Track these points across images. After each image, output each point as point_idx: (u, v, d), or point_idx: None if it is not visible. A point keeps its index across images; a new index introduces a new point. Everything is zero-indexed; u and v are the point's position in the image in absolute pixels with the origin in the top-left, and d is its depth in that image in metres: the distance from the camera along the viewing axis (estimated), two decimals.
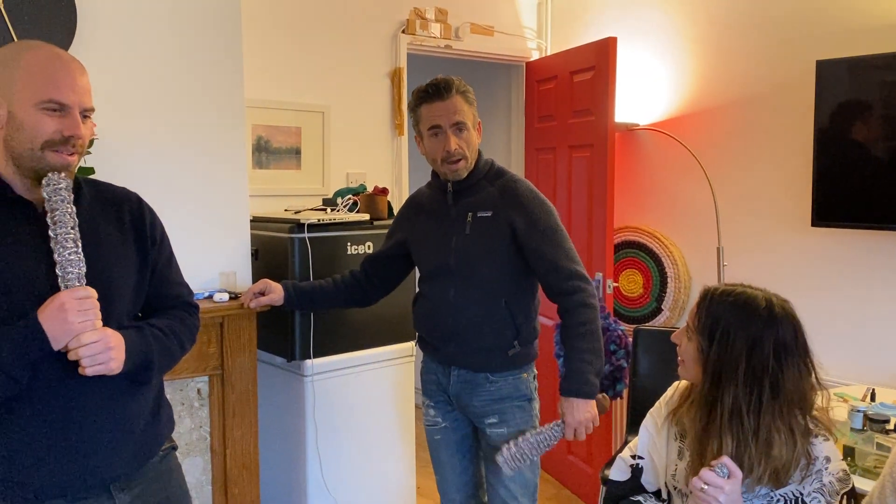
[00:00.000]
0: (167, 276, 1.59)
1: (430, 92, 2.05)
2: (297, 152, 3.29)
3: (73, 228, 1.33)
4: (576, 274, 2.05)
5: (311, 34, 3.26)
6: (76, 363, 1.33)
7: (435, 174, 2.18)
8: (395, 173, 3.56)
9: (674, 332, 1.68)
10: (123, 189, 1.57)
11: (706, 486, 1.41)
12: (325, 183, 3.36)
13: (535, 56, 3.99)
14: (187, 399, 2.34)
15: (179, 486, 1.60)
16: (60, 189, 1.33)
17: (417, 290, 2.27)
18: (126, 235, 1.50)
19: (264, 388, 2.64)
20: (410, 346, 2.88)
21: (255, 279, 2.53)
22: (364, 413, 2.76)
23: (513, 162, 3.99)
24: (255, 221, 2.69)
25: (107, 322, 1.38)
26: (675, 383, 1.76)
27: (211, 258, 2.47)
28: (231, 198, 2.53)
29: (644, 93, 3.58)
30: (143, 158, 2.31)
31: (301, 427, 2.63)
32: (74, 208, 1.35)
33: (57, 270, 1.32)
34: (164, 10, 2.34)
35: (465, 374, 2.13)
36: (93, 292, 1.34)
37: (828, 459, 1.50)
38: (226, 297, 2.38)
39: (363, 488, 2.78)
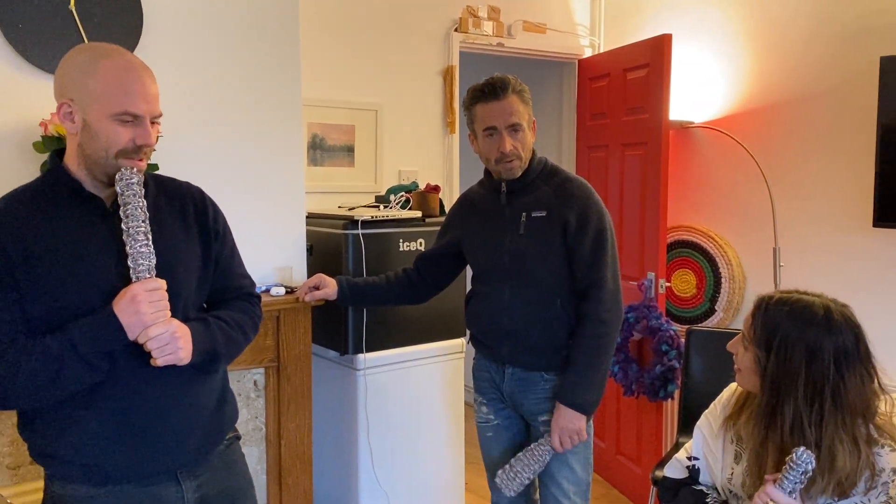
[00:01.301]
0: (230, 269, 1.63)
1: (486, 91, 2.04)
2: (351, 150, 3.33)
3: (143, 222, 1.37)
4: (605, 285, 2.03)
5: (365, 34, 3.30)
6: (147, 354, 1.38)
7: (488, 173, 2.19)
8: (447, 171, 3.58)
9: (728, 334, 1.65)
10: (186, 183, 1.61)
11: (770, 503, 1.38)
12: (377, 180, 3.40)
13: (587, 53, 3.97)
14: (244, 390, 2.40)
15: (243, 474, 1.64)
16: (132, 184, 1.37)
17: (470, 288, 2.28)
18: (190, 229, 1.54)
19: (317, 380, 2.69)
20: (461, 343, 2.90)
21: (309, 274, 2.58)
22: (415, 408, 2.80)
23: (564, 160, 3.98)
24: (310, 218, 2.74)
25: (174, 313, 1.42)
26: (732, 385, 1.74)
27: (268, 253, 2.53)
28: (288, 194, 2.58)
29: (699, 90, 3.53)
30: (205, 156, 2.38)
31: (353, 420, 2.68)
32: (145, 202, 1.39)
33: (129, 263, 1.36)
34: (225, 12, 2.40)
35: (520, 372, 2.13)
36: (163, 283, 1.38)
37: (894, 472, 1.46)
38: (282, 290, 2.43)
39: (413, 482, 2.81)
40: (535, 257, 2.07)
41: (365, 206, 2.92)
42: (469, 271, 2.32)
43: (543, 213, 2.07)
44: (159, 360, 1.37)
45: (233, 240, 1.66)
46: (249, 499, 1.66)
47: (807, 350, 1.45)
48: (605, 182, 3.59)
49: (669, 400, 3.24)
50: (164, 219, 1.50)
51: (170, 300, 1.41)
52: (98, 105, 1.37)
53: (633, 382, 3.25)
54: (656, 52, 3.23)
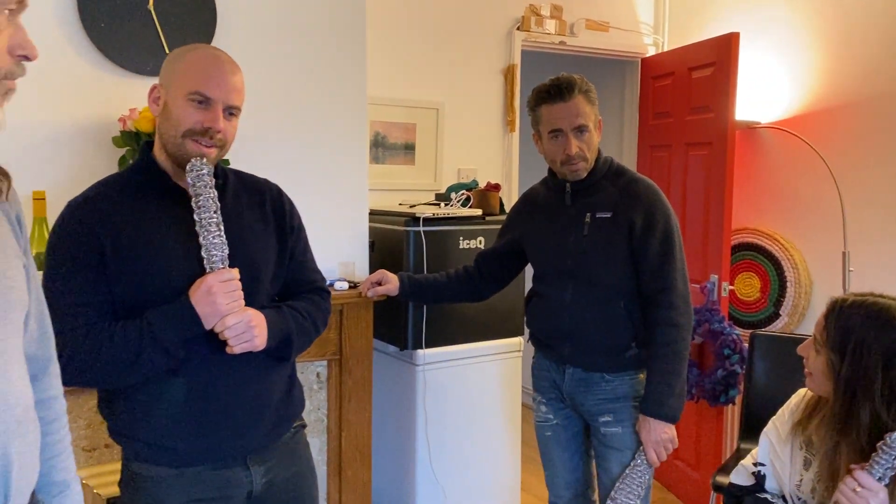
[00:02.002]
0: (304, 263, 1.67)
1: (552, 93, 2.01)
2: (411, 148, 3.36)
3: (215, 213, 1.40)
4: (675, 288, 2.00)
5: (428, 33, 3.33)
6: (222, 342, 1.42)
7: (552, 172, 2.18)
8: (506, 169, 3.58)
9: (795, 339, 1.62)
10: (265, 179, 1.66)
11: (859, 489, 1.35)
12: (437, 178, 3.43)
13: (650, 52, 3.92)
14: (307, 382, 2.44)
15: (307, 462, 1.68)
16: (203, 175, 1.40)
17: (531, 287, 2.28)
18: (268, 223, 1.59)
19: (377, 374, 2.72)
20: (518, 342, 2.90)
21: (371, 270, 2.61)
22: (472, 405, 2.81)
23: (625, 159, 3.93)
24: (372, 214, 2.78)
25: (252, 303, 1.46)
26: (801, 391, 1.70)
27: (332, 248, 2.57)
28: (352, 191, 2.62)
29: (765, 90, 3.45)
30: (272, 152, 2.43)
31: (412, 415, 2.70)
32: (216, 193, 1.42)
33: (202, 253, 1.40)
34: (295, 11, 2.45)
35: (580, 372, 2.12)
36: (236, 273, 1.42)
37: None
38: (345, 285, 2.47)
39: (470, 479, 2.82)
40: (599, 258, 2.05)
41: (426, 204, 2.94)
42: (529, 270, 2.32)
43: (609, 214, 2.05)
44: (236, 347, 1.41)
45: (306, 236, 1.70)
46: (312, 486, 1.69)
47: (884, 353, 1.42)
48: (668, 182, 3.54)
49: (730, 405, 3.18)
50: (244, 212, 1.55)
51: (249, 290, 1.45)
52: (176, 85, 1.44)
53: (693, 386, 3.20)
54: (723, 51, 3.17)
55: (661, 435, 2.01)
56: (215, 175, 1.53)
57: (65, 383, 1.44)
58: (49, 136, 2.07)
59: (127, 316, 1.40)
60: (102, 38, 2.11)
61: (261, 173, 1.70)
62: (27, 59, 0.82)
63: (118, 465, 2.01)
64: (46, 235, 1.91)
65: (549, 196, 2.20)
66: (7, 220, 0.99)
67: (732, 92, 3.13)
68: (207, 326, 1.40)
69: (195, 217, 1.40)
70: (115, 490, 1.65)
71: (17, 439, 0.90)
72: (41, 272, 1.88)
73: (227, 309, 1.39)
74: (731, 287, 3.30)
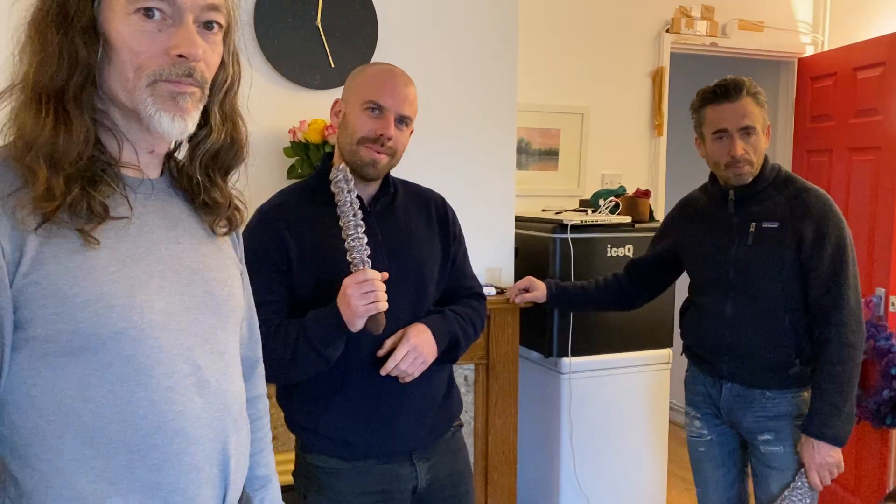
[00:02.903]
0: (463, 269, 1.73)
1: (718, 93, 1.96)
2: (555, 153, 3.35)
3: (353, 216, 1.41)
4: (846, 305, 1.89)
5: (575, 37, 3.31)
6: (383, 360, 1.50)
7: (714, 178, 2.11)
8: (652, 175, 3.50)
9: None
10: (430, 189, 1.72)
11: None
12: (580, 184, 3.40)
13: (809, 52, 3.71)
14: None
15: (466, 462, 1.73)
16: (339, 181, 1.41)
17: (687, 298, 2.21)
18: (433, 229, 1.65)
19: (522, 381, 2.73)
20: (668, 353, 2.83)
21: (516, 276, 2.63)
22: (618, 416, 2.77)
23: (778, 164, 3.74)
24: (517, 220, 2.79)
25: (419, 306, 1.54)
26: None
27: (479, 254, 2.59)
28: (499, 197, 2.65)
29: None
30: (426, 157, 2.49)
31: (556, 423, 2.70)
32: (355, 196, 1.42)
33: (347, 256, 1.42)
34: (449, 20, 2.51)
35: (739, 388, 2.04)
36: (375, 275, 1.40)
37: None
38: (493, 291, 2.50)
39: (614, 491, 2.78)
40: (764, 271, 1.97)
41: (572, 211, 2.93)
42: (682, 279, 2.26)
43: (776, 225, 1.97)
44: (416, 373, 1.49)
45: (465, 244, 1.75)
46: (471, 485, 1.74)
47: None
48: (828, 188, 3.31)
49: None
50: (412, 219, 1.62)
51: (417, 294, 1.52)
52: (354, 97, 1.54)
53: (855, 407, 3.00)
54: (894, 50, 2.96)
55: (826, 458, 1.90)
56: (386, 185, 1.61)
57: None
58: None
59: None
60: (275, 54, 2.25)
61: (414, 179, 1.76)
62: (183, 57, 0.89)
63: (286, 456, 2.13)
64: None
65: (710, 203, 2.13)
66: None
67: None
68: (353, 329, 1.42)
69: (340, 222, 1.43)
70: (287, 479, 1.75)
71: (233, 436, 0.97)
72: None
73: (364, 311, 1.39)
74: None
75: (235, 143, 1.00)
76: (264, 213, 1.57)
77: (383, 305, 1.41)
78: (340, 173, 1.42)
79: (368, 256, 1.42)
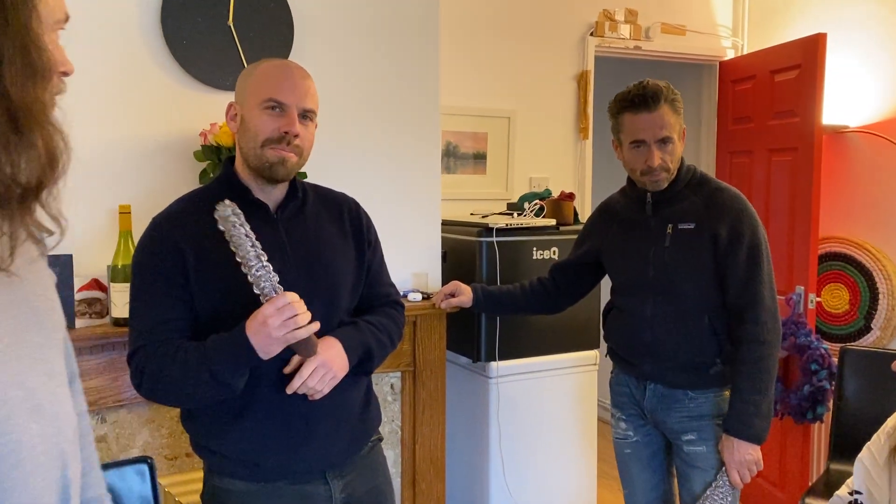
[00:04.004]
0: (379, 277, 1.67)
1: (636, 101, 1.94)
2: (482, 157, 3.34)
3: (252, 246, 1.32)
4: (762, 303, 1.92)
5: (500, 40, 3.30)
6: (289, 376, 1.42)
7: (632, 181, 2.11)
8: (578, 178, 3.51)
9: (889, 354, 1.52)
10: (342, 193, 1.66)
11: None
12: (508, 187, 3.39)
13: (729, 55, 3.79)
14: (381, 393, 2.44)
15: (385, 476, 1.67)
16: (227, 217, 1.31)
17: (609, 300, 2.21)
18: (346, 236, 1.59)
19: (450, 387, 2.70)
20: (594, 355, 2.84)
21: (443, 280, 2.60)
22: (547, 419, 2.75)
23: (702, 166, 3.80)
24: (444, 225, 2.76)
25: (330, 316, 1.47)
26: None
27: (404, 259, 2.56)
28: (425, 202, 2.61)
29: (853, 92, 3.29)
30: (347, 162, 2.44)
31: (485, 428, 2.67)
32: (247, 227, 1.33)
33: (254, 290, 1.33)
34: (369, 22, 2.46)
35: (662, 389, 2.05)
36: (293, 296, 1.33)
37: None
38: (419, 296, 2.46)
39: (544, 494, 2.77)
40: (682, 271, 1.98)
41: (498, 214, 2.91)
42: (605, 282, 2.26)
43: (692, 226, 1.98)
44: (325, 390, 1.42)
45: (381, 250, 1.69)
46: (390, 500, 1.68)
47: None
48: (749, 189, 3.41)
49: (818, 423, 3.03)
50: (324, 225, 1.55)
51: (329, 303, 1.46)
52: (250, 98, 1.46)
53: (778, 402, 3.07)
54: (809, 52, 3.04)
55: (745, 456, 1.92)
56: (293, 189, 1.54)
57: (146, 397, 1.47)
58: (133, 150, 2.13)
59: (208, 332, 1.40)
60: (185, 56, 2.16)
61: (334, 184, 1.71)
62: (66, 74, 0.84)
63: (199, 475, 2.04)
64: (132, 249, 1.96)
65: (629, 206, 2.13)
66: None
67: (819, 95, 3.00)
68: (265, 358, 1.35)
69: (237, 258, 1.33)
70: (196, 500, 1.68)
71: (72, 461, 0.90)
72: (125, 284, 1.94)
73: (284, 340, 1.33)
74: (818, 299, 3.15)
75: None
76: (157, 223, 1.47)
77: (313, 327, 1.34)
78: (228, 209, 1.31)
79: (278, 282, 1.33)
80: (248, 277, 1.32)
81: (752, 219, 1.98)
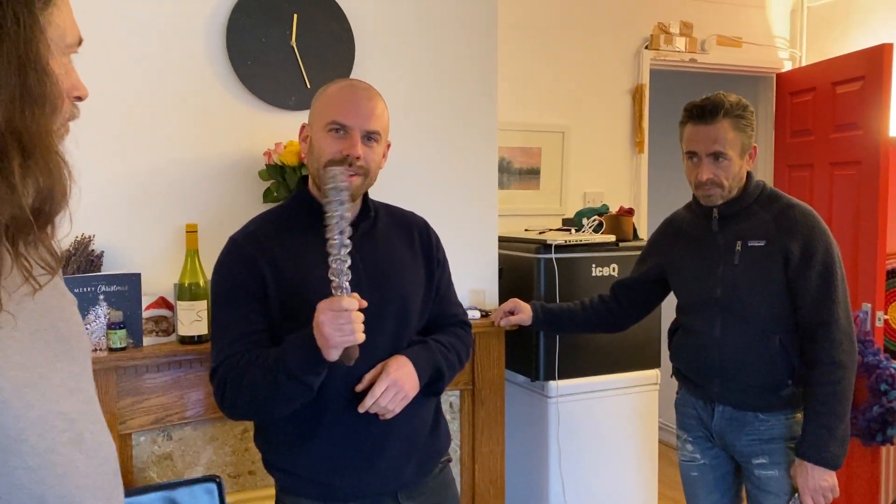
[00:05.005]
0: (448, 297, 1.66)
1: (695, 113, 1.92)
2: (536, 172, 3.32)
3: (340, 233, 1.27)
4: (836, 323, 1.86)
5: (553, 55, 3.28)
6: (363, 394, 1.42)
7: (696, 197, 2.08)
8: (634, 192, 3.47)
9: None
10: (412, 213, 1.66)
11: None
12: (562, 202, 3.36)
13: (787, 67, 3.72)
14: None
15: (455, 498, 1.65)
16: (333, 188, 1.26)
17: (675, 319, 2.16)
18: (416, 255, 1.59)
19: (508, 405, 2.67)
20: (656, 374, 2.78)
21: (500, 298, 2.57)
22: (607, 439, 2.70)
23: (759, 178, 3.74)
24: (500, 241, 2.73)
25: (400, 337, 1.47)
26: None
27: (462, 276, 2.54)
28: (482, 218, 2.60)
29: None
30: (405, 179, 2.44)
31: (545, 448, 2.63)
32: (346, 207, 1.28)
33: (329, 274, 1.29)
34: (428, 40, 2.47)
35: (731, 411, 1.99)
36: (351, 304, 1.28)
37: None
38: (477, 314, 2.44)
39: None
40: (752, 290, 1.93)
41: (556, 230, 2.88)
42: (669, 299, 2.21)
43: (762, 243, 1.93)
44: (397, 409, 1.41)
45: (449, 270, 1.68)
46: None
47: None
48: (810, 203, 3.27)
49: (888, 445, 2.93)
50: (395, 244, 1.55)
51: (400, 322, 1.46)
52: (317, 120, 1.47)
53: None
54: (874, 64, 2.97)
55: (820, 482, 1.85)
56: (366, 209, 1.55)
57: (227, 413, 1.47)
58: (199, 170, 2.16)
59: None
60: (249, 76, 2.19)
61: (392, 200, 1.71)
62: (80, 99, 0.83)
63: (263, 492, 2.05)
64: (199, 267, 1.98)
65: (694, 222, 2.09)
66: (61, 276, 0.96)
67: (886, 107, 2.92)
68: (328, 358, 1.30)
69: (325, 235, 1.28)
70: None
71: (116, 492, 0.89)
72: (192, 302, 1.96)
73: (338, 342, 1.28)
74: (885, 316, 3.05)
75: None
76: (236, 241, 1.49)
77: (360, 337, 1.29)
78: (339, 176, 1.25)
79: (349, 282, 1.29)
80: (328, 259, 1.28)
81: (826, 236, 1.92)
